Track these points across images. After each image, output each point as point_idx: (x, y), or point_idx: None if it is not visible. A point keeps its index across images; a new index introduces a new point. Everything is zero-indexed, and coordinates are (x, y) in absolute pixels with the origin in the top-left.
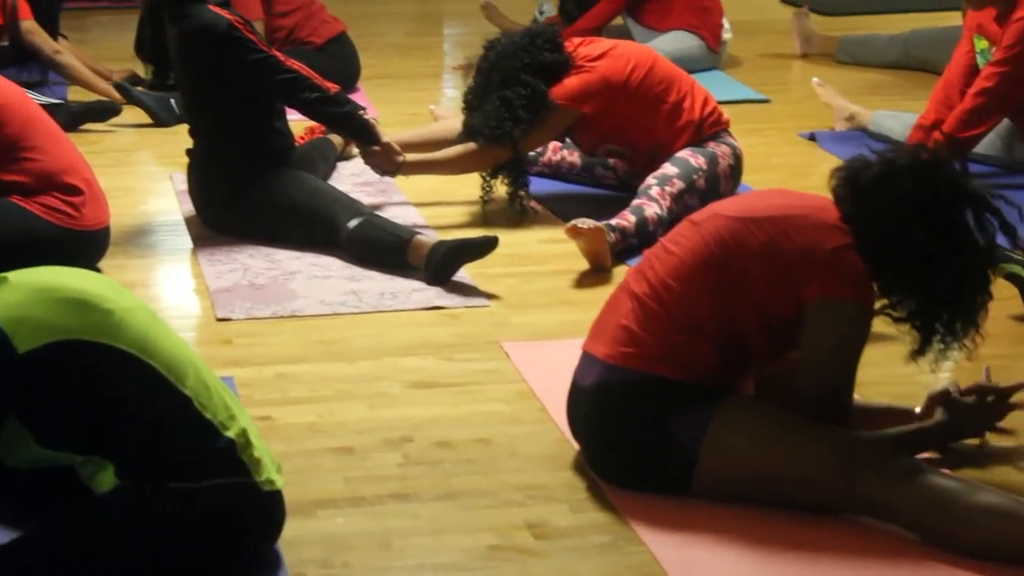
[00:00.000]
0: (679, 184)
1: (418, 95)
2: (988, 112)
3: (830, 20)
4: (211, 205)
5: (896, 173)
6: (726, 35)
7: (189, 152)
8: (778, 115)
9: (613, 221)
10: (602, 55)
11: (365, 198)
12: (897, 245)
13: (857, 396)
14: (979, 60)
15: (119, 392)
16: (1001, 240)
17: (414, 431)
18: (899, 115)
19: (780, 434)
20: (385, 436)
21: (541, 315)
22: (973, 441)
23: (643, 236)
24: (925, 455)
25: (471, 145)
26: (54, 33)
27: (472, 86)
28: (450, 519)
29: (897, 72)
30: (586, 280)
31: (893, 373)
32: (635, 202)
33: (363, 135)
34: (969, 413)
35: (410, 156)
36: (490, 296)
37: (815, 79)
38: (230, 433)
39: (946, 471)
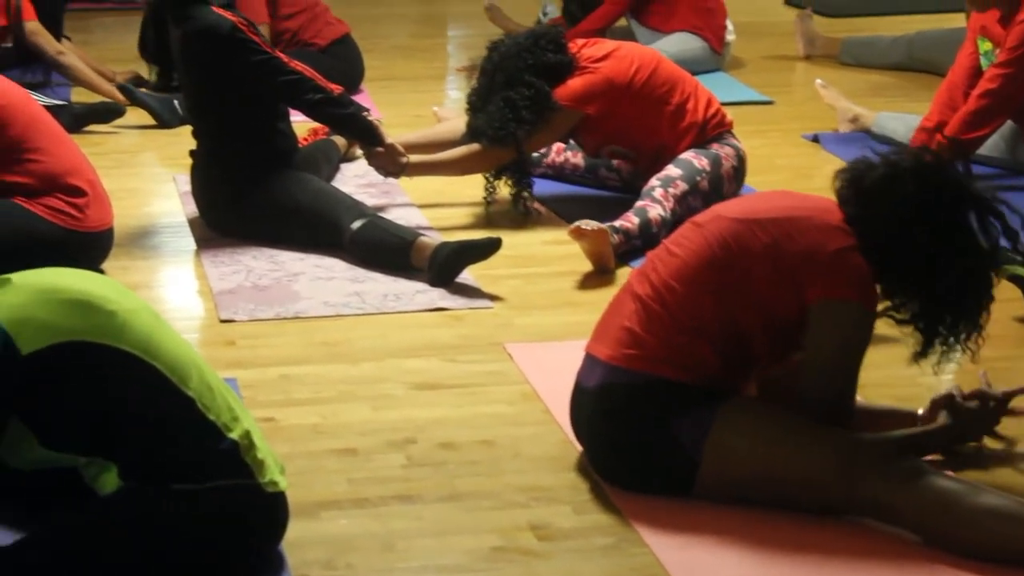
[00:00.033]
0: (682, 186)
1: (422, 97)
2: (992, 114)
3: (834, 22)
4: (214, 207)
5: (900, 175)
6: (730, 37)
7: (192, 154)
8: (782, 117)
9: (616, 223)
10: (606, 56)
11: (369, 199)
12: (900, 247)
13: (860, 398)
14: (983, 62)
15: (123, 393)
16: (1003, 243)
17: (417, 432)
18: (903, 117)
19: (783, 436)
20: (388, 437)
21: (544, 317)
22: (973, 444)
23: (646, 238)
24: (927, 458)
25: (475, 146)
26: (58, 34)
27: (476, 87)
28: (453, 520)
29: (901, 74)
30: (589, 282)
31: (896, 375)
32: (638, 204)
33: (367, 136)
34: (972, 417)
35: (414, 157)
36: (493, 298)
37: (819, 81)
38: (234, 435)
39: (949, 473)
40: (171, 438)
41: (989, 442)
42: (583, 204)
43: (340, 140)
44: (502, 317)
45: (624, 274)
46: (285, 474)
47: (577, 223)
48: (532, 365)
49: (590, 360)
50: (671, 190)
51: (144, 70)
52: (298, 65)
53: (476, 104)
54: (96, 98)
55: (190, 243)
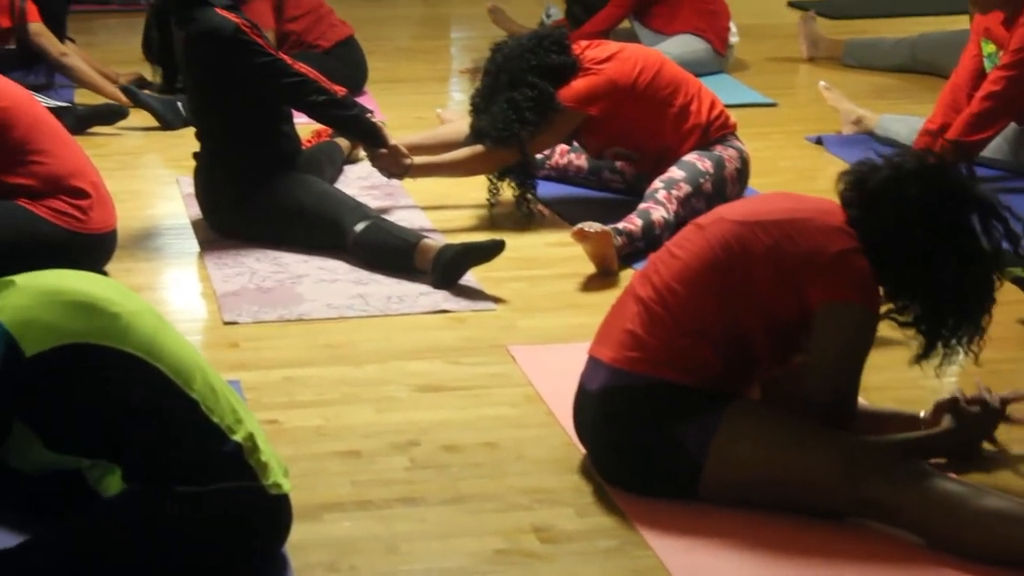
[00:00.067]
0: (686, 188)
1: (425, 99)
2: (995, 116)
3: (837, 24)
4: (218, 209)
5: (903, 177)
6: (733, 39)
7: (196, 155)
8: (785, 119)
9: (620, 225)
10: (609, 58)
11: (372, 201)
12: (903, 249)
13: (862, 400)
14: (986, 64)
15: (126, 395)
16: (1005, 246)
17: (421, 435)
18: (906, 119)
19: (786, 438)
20: (392, 440)
21: (548, 319)
22: (991, 446)
23: (650, 240)
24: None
25: (478, 147)
26: (61, 36)
27: (479, 88)
28: (457, 523)
29: (904, 76)
30: (593, 284)
31: (899, 377)
32: (642, 206)
33: (370, 138)
34: (975, 422)
35: (417, 159)
36: (497, 300)
37: (822, 83)
38: (237, 437)
39: (952, 475)
40: (175, 440)
41: (985, 445)
42: (586, 206)
43: (343, 142)
44: (505, 319)
45: (627, 276)
46: (288, 476)
47: (580, 225)
48: (535, 367)
49: (593, 363)
50: (674, 192)
51: (148, 72)
52: (302, 67)
53: (479, 105)
54: (99, 100)
55: (193, 245)
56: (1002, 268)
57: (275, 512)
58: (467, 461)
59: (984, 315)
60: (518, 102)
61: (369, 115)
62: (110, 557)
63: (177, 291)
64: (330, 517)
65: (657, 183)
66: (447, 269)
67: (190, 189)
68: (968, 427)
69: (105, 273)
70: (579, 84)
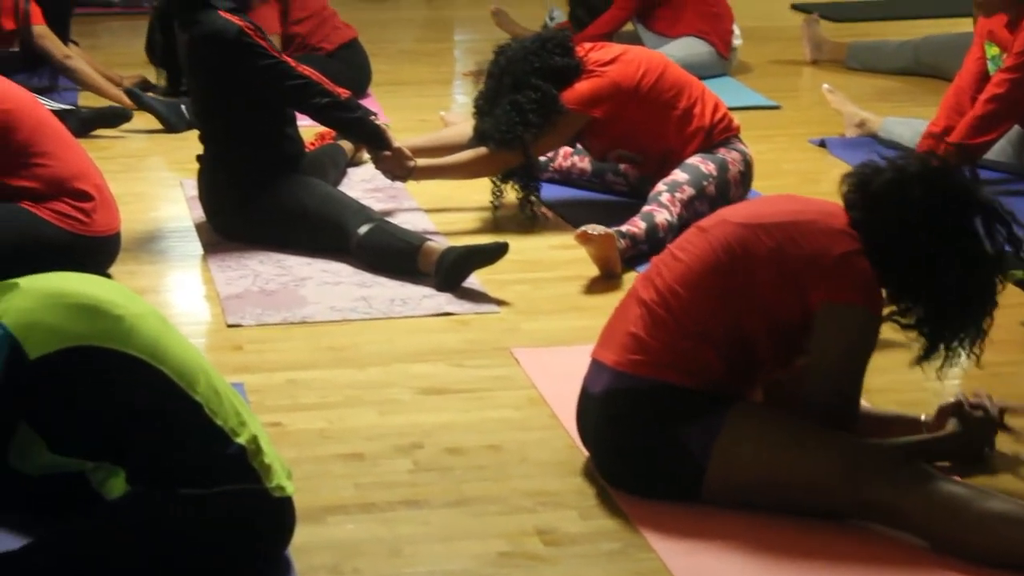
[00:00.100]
0: (689, 190)
1: (428, 101)
2: (999, 118)
3: (840, 26)
4: (221, 211)
5: (907, 179)
6: (736, 41)
7: (199, 158)
8: (788, 121)
9: (623, 227)
10: (613, 60)
11: (375, 204)
12: (906, 251)
13: (865, 403)
14: (990, 66)
15: (130, 398)
16: (1008, 249)
17: (424, 437)
18: (909, 122)
19: (789, 440)
20: (395, 442)
21: (551, 321)
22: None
23: (653, 242)
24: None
25: (482, 149)
26: (65, 38)
27: (483, 90)
28: (460, 525)
29: (907, 79)
30: (596, 286)
31: (902, 380)
32: (645, 208)
33: (374, 140)
34: (979, 426)
35: (421, 161)
36: (500, 302)
37: (825, 85)
38: (241, 439)
39: (956, 478)
40: (178, 443)
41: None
42: (590, 209)
43: (347, 144)
44: (509, 322)
45: (631, 279)
46: (292, 479)
47: (584, 228)
48: (539, 370)
49: (596, 366)
50: (678, 195)
51: (151, 74)
52: (305, 69)
53: (483, 108)
54: (103, 102)
55: (197, 248)
56: (1005, 271)
57: (279, 515)
58: (470, 464)
59: (986, 318)
60: (522, 104)
61: (373, 117)
62: (113, 560)
63: (181, 294)
64: (333, 519)
65: (661, 186)
66: (450, 272)
67: (194, 192)
68: (972, 431)
69: (109, 276)
70: (583, 86)
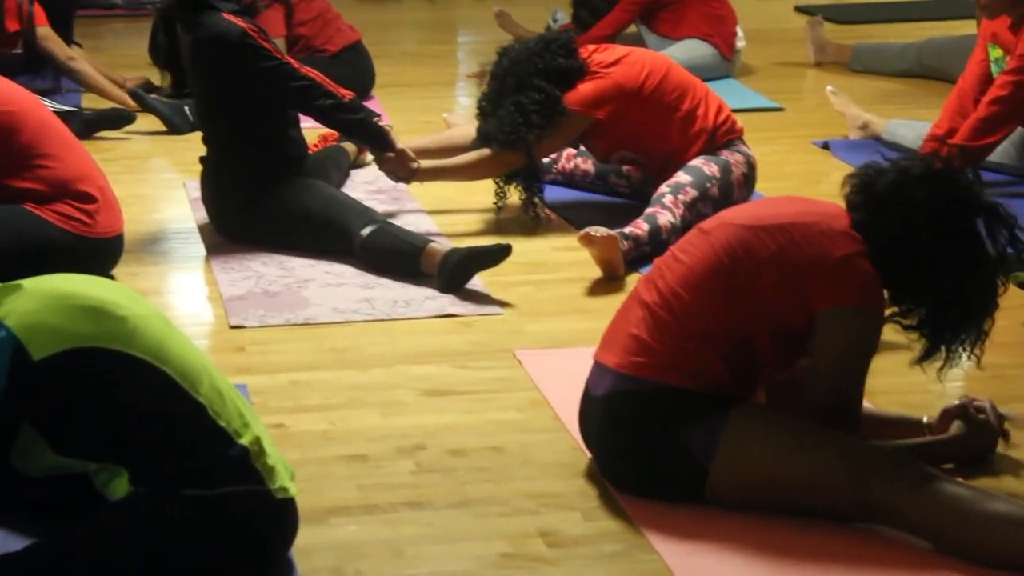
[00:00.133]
0: (692, 192)
1: (432, 103)
2: (1002, 120)
3: (844, 29)
4: (224, 213)
5: (910, 181)
6: (740, 43)
7: (203, 160)
8: (792, 123)
9: (626, 229)
10: (616, 61)
11: (378, 206)
12: (908, 252)
13: (868, 405)
14: (993, 69)
15: (133, 399)
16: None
17: (427, 439)
18: (913, 124)
19: (792, 442)
20: (398, 444)
21: (554, 323)
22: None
23: (656, 244)
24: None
25: (485, 151)
26: (68, 40)
27: (486, 92)
28: (463, 527)
29: (911, 81)
30: (599, 288)
31: (904, 382)
32: (648, 210)
33: (377, 142)
34: (983, 429)
35: (424, 163)
36: (503, 304)
37: (829, 87)
38: (244, 440)
39: (960, 479)
40: (181, 444)
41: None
42: (593, 210)
43: (350, 146)
44: (512, 323)
45: (634, 281)
46: (295, 480)
47: (587, 229)
48: (542, 371)
49: (599, 368)
50: (681, 197)
51: (155, 76)
52: (308, 71)
53: (486, 109)
54: (106, 104)
55: (200, 249)
56: (1006, 273)
57: (281, 516)
58: (473, 465)
59: (987, 319)
60: (525, 106)
61: (376, 119)
62: (115, 561)
63: (184, 295)
64: (336, 521)
65: (664, 188)
66: (454, 273)
67: (197, 193)
68: (976, 434)
69: (112, 277)
70: (586, 88)
